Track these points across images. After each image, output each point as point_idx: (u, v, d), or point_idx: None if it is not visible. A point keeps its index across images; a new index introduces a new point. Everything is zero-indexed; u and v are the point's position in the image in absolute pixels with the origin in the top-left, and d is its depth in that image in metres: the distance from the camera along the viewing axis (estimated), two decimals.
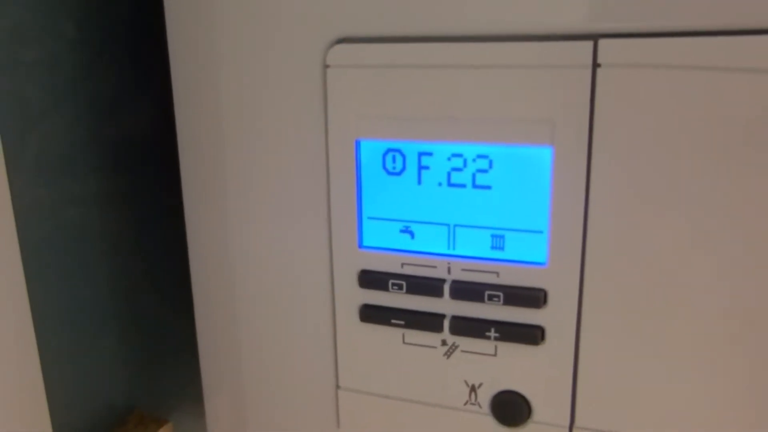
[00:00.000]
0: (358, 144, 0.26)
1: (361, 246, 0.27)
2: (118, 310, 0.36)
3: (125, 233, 0.35)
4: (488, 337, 0.26)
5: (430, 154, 0.26)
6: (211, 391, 0.33)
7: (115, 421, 0.37)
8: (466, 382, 0.28)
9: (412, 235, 0.27)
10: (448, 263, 0.26)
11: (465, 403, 0.28)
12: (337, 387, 0.30)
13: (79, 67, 0.32)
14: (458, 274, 0.26)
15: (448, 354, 0.27)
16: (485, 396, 0.27)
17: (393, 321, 0.27)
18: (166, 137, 0.37)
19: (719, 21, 0.21)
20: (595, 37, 0.23)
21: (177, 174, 0.35)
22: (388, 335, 0.28)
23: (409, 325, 0.27)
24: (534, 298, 0.25)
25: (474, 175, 0.25)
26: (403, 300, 0.27)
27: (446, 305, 0.27)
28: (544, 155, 0.24)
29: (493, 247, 0.26)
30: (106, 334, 0.35)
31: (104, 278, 0.35)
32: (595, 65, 0.23)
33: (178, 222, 0.37)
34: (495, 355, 0.27)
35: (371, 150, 0.26)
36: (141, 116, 0.35)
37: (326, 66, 0.26)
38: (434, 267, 0.27)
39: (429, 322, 0.27)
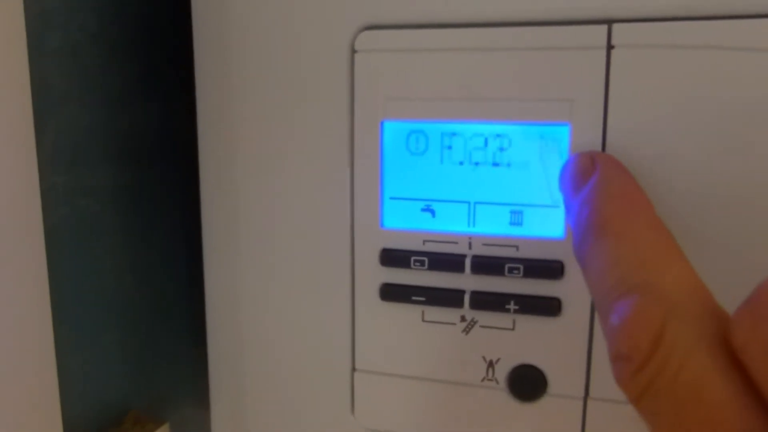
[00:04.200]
0: (382, 125, 0.28)
1: (382, 225, 0.28)
2: (121, 306, 0.35)
3: (134, 227, 0.35)
4: (508, 310, 0.27)
5: (452, 134, 0.27)
6: (219, 372, 0.33)
7: (111, 420, 0.36)
8: (484, 358, 0.28)
9: (433, 213, 0.28)
10: (469, 239, 0.28)
11: (482, 380, 0.29)
12: (353, 369, 0.30)
13: (98, 58, 0.32)
14: (479, 249, 0.27)
15: (467, 330, 0.28)
16: (502, 371, 0.28)
17: (414, 298, 0.28)
18: (177, 132, 0.37)
19: (725, 6, 0.24)
20: (609, 21, 0.25)
21: (187, 169, 0.35)
22: (408, 314, 0.29)
23: (429, 301, 0.28)
24: (552, 269, 0.27)
25: (494, 154, 0.27)
26: (423, 277, 0.28)
27: (466, 281, 0.28)
28: (562, 132, 0.26)
29: (511, 223, 0.27)
30: (107, 329, 0.35)
31: (110, 272, 0.34)
32: (610, 47, 0.25)
33: (187, 218, 0.37)
34: (513, 329, 0.28)
35: (395, 131, 0.28)
36: (153, 111, 0.36)
37: (354, 51, 0.27)
38: (455, 243, 0.28)
39: (449, 297, 0.28)
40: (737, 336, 0.16)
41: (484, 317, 0.28)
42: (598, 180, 0.23)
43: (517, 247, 0.27)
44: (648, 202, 0.22)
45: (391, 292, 0.29)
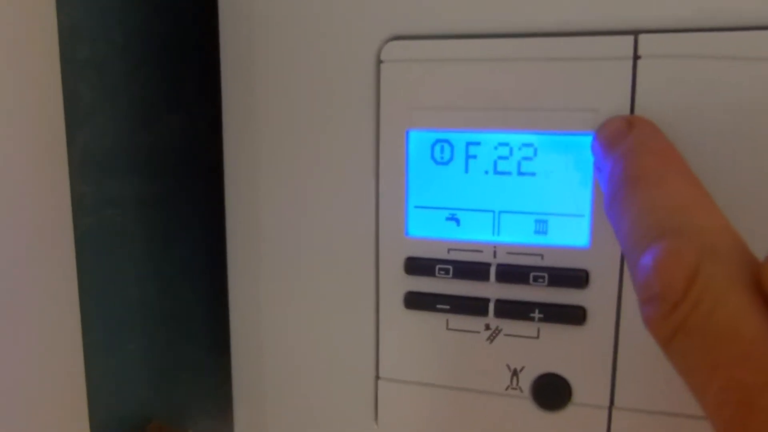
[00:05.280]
0: (408, 134, 0.28)
1: (407, 234, 0.29)
2: (144, 315, 0.36)
3: (157, 237, 0.36)
4: (532, 319, 0.27)
5: (477, 143, 0.27)
6: (242, 381, 0.33)
7: (134, 430, 0.36)
8: (508, 366, 0.28)
9: (458, 222, 0.28)
10: (494, 247, 0.28)
11: (507, 388, 0.29)
12: (377, 377, 0.30)
13: (124, 71, 0.33)
14: (504, 258, 0.28)
15: (491, 338, 0.28)
16: (527, 380, 0.28)
17: (438, 306, 0.28)
18: (200, 144, 0.38)
19: (751, 17, 0.24)
20: (635, 32, 0.25)
21: (210, 180, 0.36)
22: (432, 322, 0.29)
23: (454, 309, 0.28)
24: (577, 278, 0.27)
25: (519, 163, 0.27)
26: (448, 285, 0.28)
27: (491, 289, 0.28)
28: (587, 142, 0.26)
29: (536, 232, 0.27)
30: (131, 338, 0.35)
31: (133, 281, 0.35)
32: (636, 57, 0.25)
33: (209, 229, 0.38)
34: (537, 337, 0.28)
35: (421, 140, 0.28)
36: (177, 123, 0.36)
37: (380, 61, 0.28)
38: (480, 251, 0.28)
39: (474, 306, 0.28)
40: (767, 280, 0.17)
41: (509, 326, 0.28)
42: (635, 137, 0.23)
43: (542, 256, 0.27)
44: (683, 159, 0.22)
45: (415, 301, 0.29)
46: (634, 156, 0.22)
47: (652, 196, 0.20)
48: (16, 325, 0.26)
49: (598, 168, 0.24)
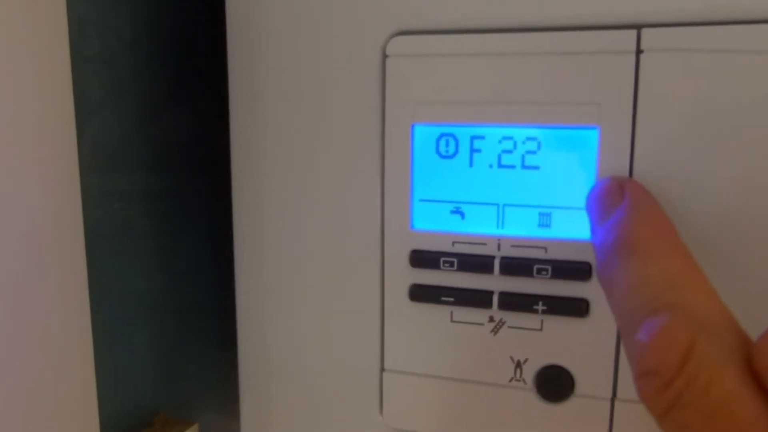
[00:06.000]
0: (413, 129, 0.28)
1: (412, 227, 0.29)
2: (151, 308, 0.36)
3: (164, 231, 0.36)
4: (536, 311, 0.28)
5: (482, 137, 0.28)
6: (249, 373, 0.34)
7: (141, 421, 0.36)
8: (511, 358, 0.29)
9: (463, 215, 0.28)
10: (498, 240, 0.28)
11: (510, 380, 0.29)
12: (382, 369, 0.31)
13: (132, 67, 0.33)
14: (508, 251, 0.28)
15: (495, 330, 0.29)
16: (530, 372, 0.29)
17: (443, 299, 0.29)
18: (207, 139, 0.38)
19: (754, 10, 0.24)
20: (638, 26, 0.25)
21: (217, 175, 0.36)
22: (437, 314, 0.29)
23: (458, 302, 0.29)
24: (581, 270, 0.27)
25: (523, 157, 0.27)
26: (452, 278, 0.29)
27: (495, 282, 0.28)
28: (590, 135, 0.26)
29: (540, 225, 0.28)
30: (138, 331, 0.35)
31: (140, 275, 0.35)
32: (639, 51, 0.25)
33: (215, 223, 0.38)
34: (541, 329, 0.28)
35: (425, 134, 0.28)
36: (184, 118, 0.37)
37: (385, 56, 0.28)
38: (484, 244, 0.28)
39: (478, 298, 0.28)
40: (759, 361, 0.17)
41: (513, 318, 0.28)
42: (628, 205, 0.23)
43: (545, 249, 0.27)
44: (674, 229, 0.23)
45: (420, 293, 0.29)
46: (626, 225, 0.22)
47: (645, 269, 0.21)
48: (28, 318, 0.26)
49: (593, 230, 0.25)
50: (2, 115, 0.24)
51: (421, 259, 0.29)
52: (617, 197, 0.24)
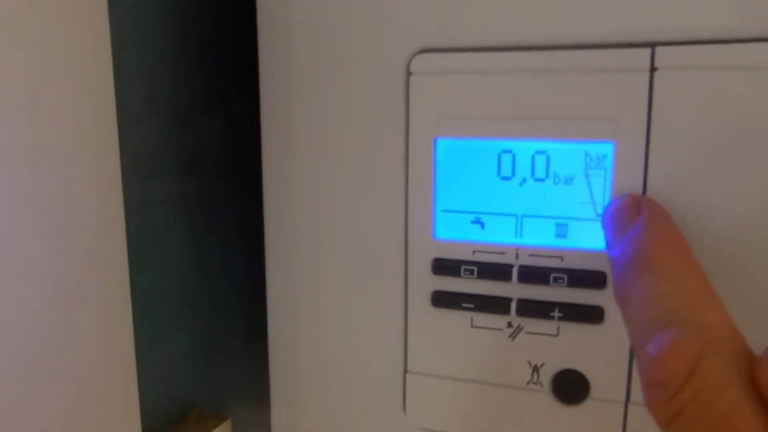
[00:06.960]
0: (435, 142, 0.30)
1: (434, 236, 0.30)
2: (186, 307, 0.38)
3: (199, 234, 0.38)
4: (552, 317, 0.29)
5: (501, 151, 0.29)
6: (279, 373, 0.35)
7: (177, 416, 0.38)
8: (529, 363, 0.30)
9: (483, 225, 0.30)
10: (517, 250, 0.29)
11: (527, 383, 0.30)
12: (406, 371, 0.32)
13: (169, 79, 0.35)
14: (525, 260, 0.29)
15: (513, 336, 0.30)
16: (546, 375, 0.30)
17: (463, 305, 0.30)
18: (239, 147, 0.40)
19: (766, 28, 0.25)
20: (652, 45, 0.26)
21: (248, 181, 0.38)
22: (458, 319, 0.31)
23: (478, 308, 0.30)
24: (596, 279, 0.28)
25: (541, 169, 0.29)
26: (473, 285, 0.30)
27: (513, 289, 0.29)
28: (606, 150, 0.27)
29: (557, 235, 0.29)
30: (175, 329, 0.37)
31: (176, 276, 0.37)
32: (653, 69, 0.26)
33: (247, 226, 0.40)
34: (557, 335, 0.29)
35: (448, 148, 0.30)
36: (217, 127, 0.39)
37: (409, 73, 0.29)
38: (503, 253, 0.29)
39: (497, 304, 0.30)
40: (761, 376, 0.19)
41: (530, 324, 0.30)
42: (644, 221, 0.24)
43: (561, 258, 0.29)
44: (688, 247, 0.24)
45: (442, 299, 0.30)
46: (642, 241, 0.24)
47: (660, 286, 0.22)
48: (75, 318, 0.28)
49: (609, 245, 0.26)
50: (52, 129, 0.26)
51: (443, 266, 0.30)
52: (633, 214, 0.25)
